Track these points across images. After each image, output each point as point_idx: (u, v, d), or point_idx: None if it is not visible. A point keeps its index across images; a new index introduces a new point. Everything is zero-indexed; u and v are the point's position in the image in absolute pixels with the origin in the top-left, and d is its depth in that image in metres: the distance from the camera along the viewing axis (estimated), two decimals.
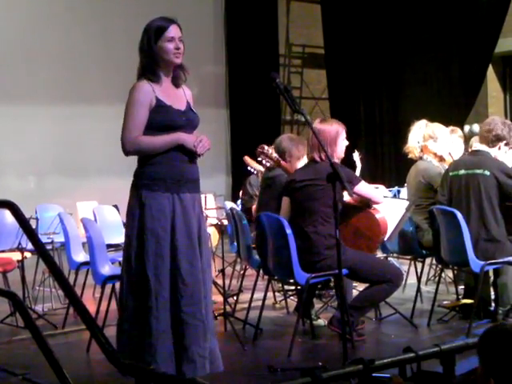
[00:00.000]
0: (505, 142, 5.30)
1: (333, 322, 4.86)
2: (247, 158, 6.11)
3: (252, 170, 6.06)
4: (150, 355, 3.59)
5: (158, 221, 3.63)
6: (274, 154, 5.42)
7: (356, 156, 8.20)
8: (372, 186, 5.54)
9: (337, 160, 4.87)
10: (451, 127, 6.30)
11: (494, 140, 5.26)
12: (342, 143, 4.95)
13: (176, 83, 3.79)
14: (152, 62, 3.68)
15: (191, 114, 3.80)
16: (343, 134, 4.96)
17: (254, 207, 5.97)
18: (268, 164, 5.52)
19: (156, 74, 3.69)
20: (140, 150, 3.69)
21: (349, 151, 5.45)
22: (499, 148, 5.31)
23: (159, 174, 3.66)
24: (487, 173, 5.16)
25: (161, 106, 3.67)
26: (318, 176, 4.77)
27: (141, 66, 3.73)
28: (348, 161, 8.03)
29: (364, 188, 4.90)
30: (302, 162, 5.48)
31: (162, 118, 3.67)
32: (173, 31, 3.70)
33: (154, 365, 3.54)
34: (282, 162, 5.44)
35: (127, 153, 3.70)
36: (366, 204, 4.95)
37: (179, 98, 3.78)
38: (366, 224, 4.96)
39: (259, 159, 5.60)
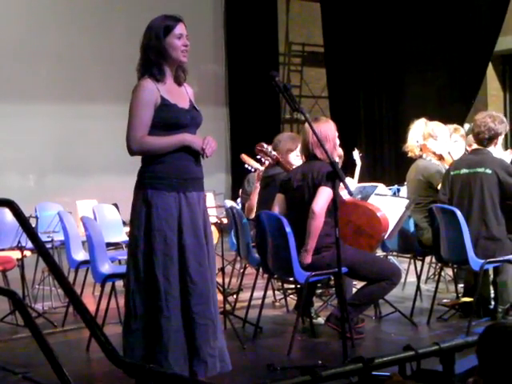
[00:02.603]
0: (499, 137, 5.30)
1: (331, 319, 4.87)
2: (244, 156, 6.11)
3: (249, 168, 6.06)
4: (163, 355, 3.57)
5: (165, 220, 3.61)
6: (273, 152, 5.42)
7: (356, 154, 8.21)
8: (371, 185, 5.54)
9: (338, 158, 4.89)
10: (454, 126, 6.31)
11: (488, 141, 5.26)
12: (337, 140, 4.99)
13: (178, 82, 3.78)
14: (161, 58, 3.66)
15: (195, 112, 3.78)
16: (336, 132, 5.00)
17: (246, 204, 5.97)
18: (267, 162, 5.52)
19: (163, 71, 3.67)
20: (146, 150, 3.66)
21: (349, 150, 5.47)
22: (495, 145, 5.31)
23: (165, 173, 3.64)
24: (489, 171, 5.16)
25: (165, 104, 3.64)
26: (313, 175, 4.77)
27: (144, 64, 3.69)
28: (348, 159, 8.08)
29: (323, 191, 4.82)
30: (294, 155, 5.50)
31: (167, 117, 3.65)
32: (181, 29, 3.69)
33: (166, 365, 3.52)
34: (280, 159, 5.44)
35: (133, 152, 3.67)
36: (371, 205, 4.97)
37: (182, 96, 3.76)
38: (367, 222, 4.96)
39: (258, 157, 5.59)
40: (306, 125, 4.79)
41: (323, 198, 4.70)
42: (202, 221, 3.72)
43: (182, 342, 3.63)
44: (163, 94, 3.65)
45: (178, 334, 3.61)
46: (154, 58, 3.66)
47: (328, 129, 4.90)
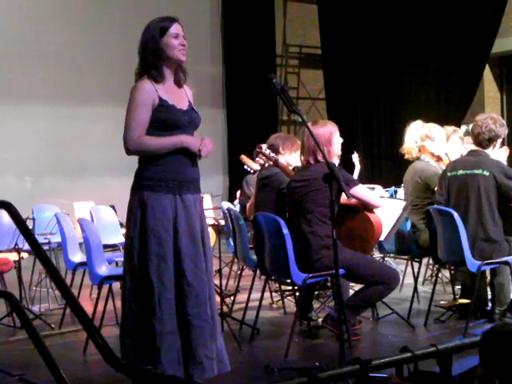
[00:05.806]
0: (498, 140, 5.30)
1: (327, 320, 4.87)
2: (244, 157, 6.11)
3: (248, 169, 6.06)
4: (157, 357, 3.56)
5: (160, 222, 3.61)
6: (272, 154, 5.42)
7: (355, 157, 8.22)
8: (368, 187, 5.54)
9: (335, 160, 4.88)
10: (453, 127, 6.31)
11: (487, 142, 5.26)
12: (338, 141, 4.97)
13: (178, 83, 3.78)
14: (158, 58, 3.65)
15: (193, 113, 3.78)
16: (337, 133, 4.98)
17: (248, 205, 5.96)
18: (266, 164, 5.52)
19: (161, 71, 3.67)
20: (142, 150, 3.66)
21: (347, 152, 5.47)
22: (494, 147, 5.31)
23: (161, 175, 3.63)
24: (486, 173, 5.15)
25: (163, 105, 3.64)
26: (314, 176, 4.77)
27: (143, 65, 3.68)
28: (347, 162, 8.08)
29: (360, 191, 4.88)
30: (293, 156, 5.50)
31: (165, 118, 3.64)
32: (177, 28, 3.69)
33: (161, 367, 3.52)
34: (279, 161, 5.44)
35: (129, 152, 3.67)
36: (366, 207, 4.94)
37: (182, 97, 3.76)
38: (360, 225, 4.94)
39: (257, 159, 5.60)
40: (312, 128, 4.79)
41: (366, 193, 4.87)
42: (198, 223, 3.71)
43: (177, 345, 3.61)
44: (161, 94, 3.65)
45: (172, 336, 3.60)
46: (152, 59, 3.65)
47: (321, 133, 4.88)
